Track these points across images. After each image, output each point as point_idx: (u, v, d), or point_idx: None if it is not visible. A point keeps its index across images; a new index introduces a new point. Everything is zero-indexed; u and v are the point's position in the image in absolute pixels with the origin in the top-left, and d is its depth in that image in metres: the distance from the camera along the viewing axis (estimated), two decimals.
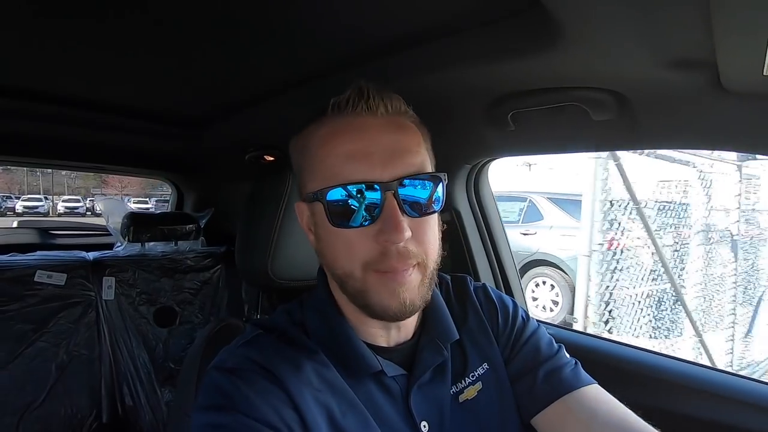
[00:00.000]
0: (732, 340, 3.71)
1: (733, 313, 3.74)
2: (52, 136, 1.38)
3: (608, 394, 0.58)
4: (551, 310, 4.51)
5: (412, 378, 0.55)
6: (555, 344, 0.63)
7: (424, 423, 0.53)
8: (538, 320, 1.13)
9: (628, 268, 2.95)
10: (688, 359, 0.90)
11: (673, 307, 3.33)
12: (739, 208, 3.70)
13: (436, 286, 0.57)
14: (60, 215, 20.17)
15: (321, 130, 0.52)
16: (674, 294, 3.20)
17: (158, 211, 1.96)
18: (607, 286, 2.83)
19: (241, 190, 1.92)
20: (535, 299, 4.59)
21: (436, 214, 0.53)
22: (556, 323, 1.14)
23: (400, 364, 0.55)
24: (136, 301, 1.51)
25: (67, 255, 1.45)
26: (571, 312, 3.45)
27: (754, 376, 1.20)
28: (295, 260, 0.77)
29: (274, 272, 0.76)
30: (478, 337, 0.62)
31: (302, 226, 0.57)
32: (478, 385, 0.58)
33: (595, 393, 0.58)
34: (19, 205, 20.97)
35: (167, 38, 0.78)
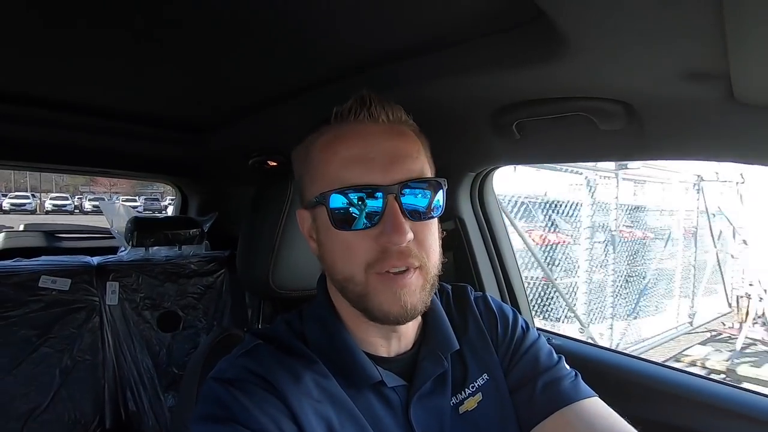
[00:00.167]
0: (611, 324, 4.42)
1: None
2: (61, 142, 1.38)
3: (608, 407, 0.57)
4: None
5: (412, 389, 0.54)
6: (555, 355, 0.63)
7: None
8: (545, 330, 1.13)
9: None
10: (698, 374, 0.88)
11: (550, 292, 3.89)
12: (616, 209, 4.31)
13: (436, 295, 0.57)
14: (47, 213, 20.34)
15: (323, 138, 0.53)
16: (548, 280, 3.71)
17: (162, 216, 1.95)
18: None
19: (245, 194, 1.93)
20: None
21: (436, 219, 0.53)
22: (561, 333, 1.12)
23: (400, 375, 0.55)
24: (139, 306, 1.50)
25: (72, 260, 1.45)
26: None
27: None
28: (296, 271, 0.76)
29: (275, 283, 0.75)
30: (478, 348, 0.61)
31: (303, 233, 0.57)
32: (478, 396, 0.58)
33: (595, 406, 0.57)
34: (6, 203, 20.94)
35: (173, 46, 0.78)
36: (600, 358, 0.99)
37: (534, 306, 3.73)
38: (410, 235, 0.48)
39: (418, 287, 0.50)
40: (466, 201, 1.11)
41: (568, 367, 0.61)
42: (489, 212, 1.12)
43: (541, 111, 0.71)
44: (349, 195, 0.49)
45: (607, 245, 4.36)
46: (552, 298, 3.94)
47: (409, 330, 0.57)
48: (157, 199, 25.11)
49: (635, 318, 4.95)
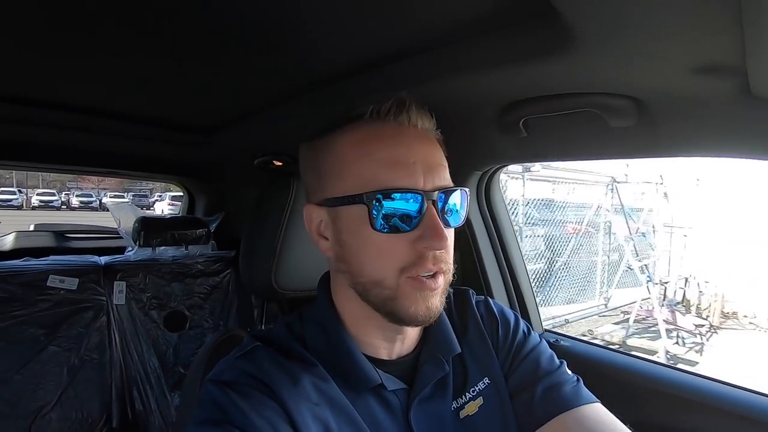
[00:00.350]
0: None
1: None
2: (70, 143, 1.40)
3: (609, 413, 0.55)
4: None
5: (413, 392, 0.54)
6: (557, 360, 0.61)
7: None
8: (554, 332, 1.11)
9: None
10: (714, 378, 0.85)
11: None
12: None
13: None
14: (34, 208, 20.09)
15: (354, 134, 0.51)
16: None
17: (169, 216, 1.96)
18: None
19: (251, 195, 1.94)
20: None
21: None
22: (571, 335, 1.10)
23: (400, 378, 0.54)
24: (146, 306, 1.51)
25: (80, 260, 1.46)
26: None
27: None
28: (299, 271, 0.75)
29: (278, 284, 0.75)
30: (479, 351, 0.61)
31: (310, 230, 0.55)
32: (479, 401, 0.57)
33: (596, 412, 0.55)
34: None
35: (180, 48, 0.78)
36: (611, 361, 0.97)
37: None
38: (448, 241, 0.49)
39: (442, 290, 0.51)
40: (472, 200, 1.09)
41: (569, 372, 0.60)
42: (496, 211, 1.10)
43: (549, 107, 0.70)
44: (394, 198, 0.47)
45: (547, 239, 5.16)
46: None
47: (413, 333, 0.57)
48: (146, 196, 24.66)
49: (567, 303, 5.66)
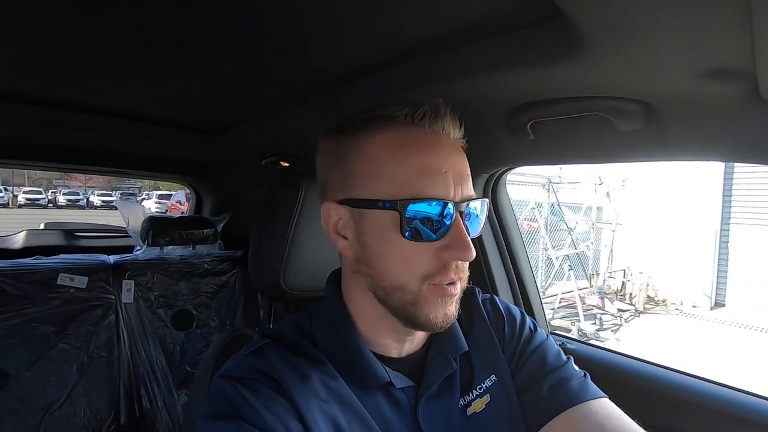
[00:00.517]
0: None
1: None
2: (79, 143, 1.42)
3: (617, 408, 0.55)
4: None
5: (421, 390, 0.54)
6: (563, 356, 0.62)
7: None
8: (559, 335, 1.11)
9: None
10: (724, 383, 0.85)
11: None
12: None
13: None
14: (20, 206, 20.12)
15: (389, 136, 0.50)
16: None
17: (177, 215, 1.98)
18: None
19: (258, 195, 1.95)
20: None
21: None
22: (575, 337, 1.09)
23: (408, 375, 0.55)
24: (154, 305, 1.53)
25: (89, 258, 1.48)
26: None
27: None
28: (307, 271, 0.76)
29: (286, 283, 0.75)
30: (486, 349, 0.61)
31: (326, 228, 0.54)
32: (486, 398, 0.57)
33: (604, 407, 0.55)
34: None
35: (188, 50, 0.79)
36: (618, 364, 0.96)
37: None
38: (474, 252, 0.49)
39: (458, 296, 0.52)
40: None
41: (576, 368, 0.60)
42: (502, 214, 1.10)
43: (557, 111, 0.70)
44: (429, 207, 0.48)
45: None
46: None
47: (421, 332, 0.57)
48: (134, 194, 24.41)
49: None
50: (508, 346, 0.62)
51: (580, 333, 5.39)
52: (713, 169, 6.11)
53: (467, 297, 0.65)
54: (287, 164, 1.43)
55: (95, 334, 1.38)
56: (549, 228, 6.78)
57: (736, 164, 5.70)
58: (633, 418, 0.54)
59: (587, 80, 0.60)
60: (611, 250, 7.23)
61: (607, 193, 7.14)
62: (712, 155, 0.67)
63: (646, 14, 0.43)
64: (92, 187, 26.19)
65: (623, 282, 7.17)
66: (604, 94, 0.63)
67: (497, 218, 1.10)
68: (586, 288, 6.92)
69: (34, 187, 23.99)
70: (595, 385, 0.58)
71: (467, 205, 0.50)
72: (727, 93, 0.53)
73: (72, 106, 1.14)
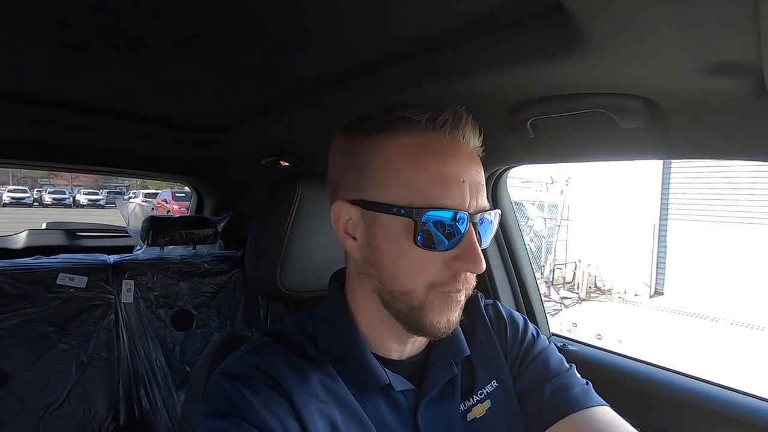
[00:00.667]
0: None
1: None
2: (80, 143, 1.42)
3: (619, 417, 0.54)
4: None
5: (421, 393, 0.54)
6: (566, 363, 0.61)
7: None
8: (561, 336, 1.09)
9: None
10: (722, 384, 0.83)
11: None
12: None
13: None
14: (5, 205, 19.90)
15: (408, 141, 0.49)
16: None
17: (177, 215, 1.98)
18: None
19: (258, 195, 1.95)
20: None
21: None
22: (578, 340, 1.08)
23: (408, 378, 0.54)
24: (154, 304, 1.53)
25: (89, 258, 1.48)
26: None
27: None
28: (304, 272, 0.75)
29: (283, 284, 0.74)
30: (487, 354, 0.60)
31: (336, 227, 0.53)
32: (487, 404, 0.57)
33: (606, 414, 0.55)
34: None
35: (191, 50, 0.78)
36: (618, 366, 0.95)
37: None
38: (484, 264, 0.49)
39: (463, 304, 0.52)
40: None
41: (579, 375, 0.60)
42: (503, 214, 1.09)
43: (558, 108, 0.68)
44: (444, 216, 0.47)
45: None
46: None
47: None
48: (121, 193, 24.08)
49: None
50: (510, 352, 0.62)
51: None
52: (652, 168, 6.58)
53: (470, 302, 0.64)
54: (287, 164, 1.42)
55: (95, 334, 1.38)
56: None
57: (672, 164, 6.59)
58: (634, 422, 0.53)
59: (588, 76, 0.59)
60: (560, 244, 7.87)
61: (561, 191, 7.68)
62: (716, 153, 0.65)
63: (647, 8, 0.42)
64: (78, 185, 25.76)
65: (573, 273, 7.81)
66: (605, 91, 0.61)
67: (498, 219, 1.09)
68: (538, 279, 8.26)
69: (19, 185, 23.66)
70: (597, 394, 0.57)
71: (481, 217, 0.50)
72: (733, 89, 0.52)
73: (72, 105, 1.14)
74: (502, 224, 1.09)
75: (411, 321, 0.50)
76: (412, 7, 0.59)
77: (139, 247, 1.65)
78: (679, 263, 6.45)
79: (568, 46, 0.53)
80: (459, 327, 0.58)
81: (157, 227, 1.62)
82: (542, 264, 7.90)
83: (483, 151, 0.54)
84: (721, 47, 0.45)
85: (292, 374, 0.49)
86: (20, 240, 1.68)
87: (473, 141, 0.51)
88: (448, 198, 0.47)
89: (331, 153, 0.56)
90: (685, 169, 6.42)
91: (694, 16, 0.42)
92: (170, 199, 13.30)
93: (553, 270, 7.69)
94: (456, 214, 0.47)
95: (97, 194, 22.82)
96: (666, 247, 6.76)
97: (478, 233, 0.50)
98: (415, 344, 0.57)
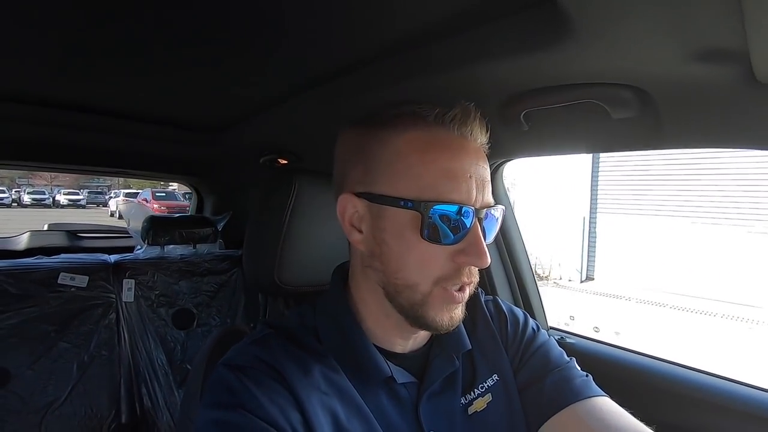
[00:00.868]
0: None
1: None
2: (79, 144, 1.43)
3: (620, 406, 0.55)
4: None
5: (423, 387, 0.54)
6: (566, 356, 0.62)
7: None
8: (558, 329, 1.09)
9: None
10: (721, 374, 0.83)
11: None
12: None
13: None
14: None
15: (418, 135, 0.50)
16: None
17: (177, 215, 1.99)
18: None
19: (256, 192, 1.95)
20: None
21: None
22: (576, 333, 1.08)
23: (410, 371, 0.55)
24: (155, 303, 1.53)
25: (89, 258, 1.49)
26: None
27: None
28: (301, 266, 0.75)
29: (280, 279, 0.75)
30: (489, 348, 0.61)
31: (342, 220, 0.54)
32: (488, 397, 0.57)
33: (607, 404, 0.55)
34: None
35: (188, 49, 0.79)
36: (616, 358, 0.95)
37: None
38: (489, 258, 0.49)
39: (465, 300, 0.52)
40: None
41: (579, 368, 0.60)
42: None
43: (550, 99, 0.69)
44: (450, 210, 0.48)
45: None
46: None
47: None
48: (102, 193, 23.99)
49: None
50: (511, 346, 0.62)
51: None
52: (583, 167, 7.39)
53: (471, 298, 0.65)
54: (285, 162, 1.43)
55: (96, 333, 1.39)
56: None
57: (600, 162, 7.35)
58: (633, 413, 0.53)
59: (579, 66, 0.59)
60: None
61: (507, 188, 8.26)
62: (708, 142, 0.65)
63: None
64: (58, 185, 25.01)
65: None
66: (596, 81, 0.62)
67: None
68: None
69: None
70: (597, 386, 0.58)
71: (486, 212, 0.50)
72: (722, 76, 0.52)
73: (70, 106, 1.15)
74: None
75: (413, 315, 0.51)
76: (400, 2, 0.60)
77: (139, 247, 1.66)
78: (607, 252, 7.41)
79: (558, 36, 0.53)
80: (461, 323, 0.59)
81: (157, 227, 1.63)
82: None
83: (489, 147, 0.54)
84: (707, 34, 0.45)
85: (295, 366, 0.49)
86: (22, 241, 1.69)
87: (480, 137, 0.52)
88: (456, 193, 0.48)
89: (338, 147, 0.57)
90: (610, 166, 7.32)
91: (678, 2, 0.42)
92: (150, 198, 13.34)
93: None
94: (462, 208, 0.48)
95: (77, 194, 22.33)
96: (596, 237, 7.64)
97: (483, 228, 0.50)
98: (418, 338, 0.57)
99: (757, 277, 5.46)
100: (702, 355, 3.69)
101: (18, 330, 1.28)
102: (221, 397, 0.47)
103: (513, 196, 7.96)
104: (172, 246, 1.67)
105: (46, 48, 0.79)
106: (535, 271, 8.22)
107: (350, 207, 0.53)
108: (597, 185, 7.55)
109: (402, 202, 0.48)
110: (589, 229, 7.64)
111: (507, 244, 1.12)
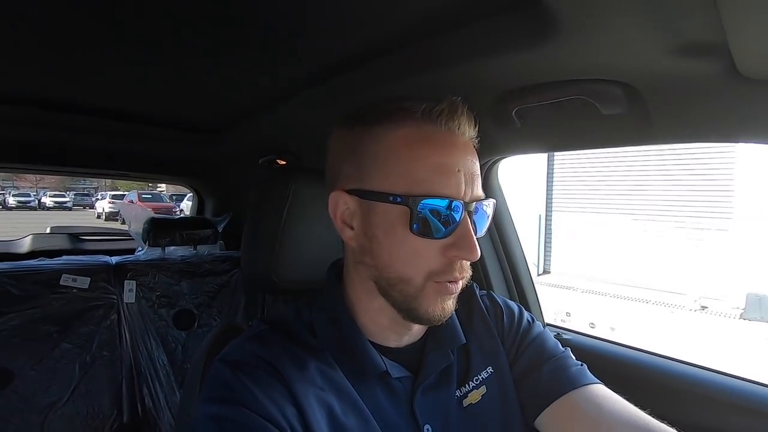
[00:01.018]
0: None
1: None
2: (80, 145, 1.44)
3: (616, 394, 0.56)
4: None
5: (418, 381, 0.55)
6: (561, 347, 0.63)
7: (427, 426, 0.53)
8: (554, 326, 1.10)
9: None
10: (715, 368, 0.84)
11: None
12: None
13: None
14: None
15: (406, 131, 0.50)
16: None
17: (178, 216, 2.00)
18: None
19: (254, 191, 1.96)
20: None
21: None
22: (571, 329, 1.09)
23: (405, 366, 0.55)
24: (156, 304, 1.54)
25: (91, 259, 1.50)
26: None
27: None
28: (298, 263, 0.76)
29: (278, 276, 0.76)
30: (484, 341, 0.62)
31: (333, 217, 0.54)
32: (482, 389, 0.58)
33: (603, 391, 0.56)
34: None
35: (187, 50, 0.80)
36: (613, 354, 0.95)
37: None
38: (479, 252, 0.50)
39: (458, 293, 0.53)
40: None
41: (574, 357, 0.61)
42: (496, 205, 1.09)
43: (541, 96, 0.70)
44: (439, 204, 0.48)
45: None
46: None
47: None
48: (89, 195, 23.68)
49: None
50: (506, 338, 0.63)
51: None
52: (539, 167, 7.92)
53: (466, 292, 0.65)
54: (284, 162, 1.44)
55: (97, 334, 1.40)
56: None
57: (555, 163, 7.84)
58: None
59: (566, 63, 0.60)
60: None
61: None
62: (697, 137, 0.66)
63: None
64: (44, 187, 24.68)
65: None
66: (584, 77, 0.63)
67: None
68: None
69: None
70: (592, 374, 0.59)
71: (476, 205, 0.51)
72: (705, 70, 0.53)
73: (71, 108, 1.17)
74: (495, 215, 1.10)
75: (406, 308, 0.51)
76: (389, 1, 0.61)
77: (140, 248, 1.67)
78: (562, 247, 7.98)
79: (544, 32, 0.54)
80: (455, 316, 0.59)
81: (157, 228, 1.65)
82: None
83: (478, 142, 0.55)
84: (686, 28, 0.46)
85: (290, 361, 0.50)
86: (25, 244, 1.71)
87: (469, 131, 0.52)
88: (445, 187, 0.48)
89: (330, 144, 0.57)
90: (563, 167, 7.91)
91: None
92: (137, 200, 13.42)
93: None
94: (451, 202, 0.48)
95: (63, 196, 22.01)
96: (551, 233, 8.13)
97: (474, 222, 0.50)
98: (412, 333, 0.57)
99: (687, 268, 6.25)
100: (623, 334, 4.25)
101: (21, 331, 1.29)
102: (218, 393, 0.47)
103: None
104: (172, 247, 1.68)
105: (45, 48, 0.80)
106: None
107: (341, 204, 0.53)
108: (552, 184, 8.10)
109: (391, 198, 0.49)
110: (546, 226, 8.13)
111: (502, 239, 1.13)
